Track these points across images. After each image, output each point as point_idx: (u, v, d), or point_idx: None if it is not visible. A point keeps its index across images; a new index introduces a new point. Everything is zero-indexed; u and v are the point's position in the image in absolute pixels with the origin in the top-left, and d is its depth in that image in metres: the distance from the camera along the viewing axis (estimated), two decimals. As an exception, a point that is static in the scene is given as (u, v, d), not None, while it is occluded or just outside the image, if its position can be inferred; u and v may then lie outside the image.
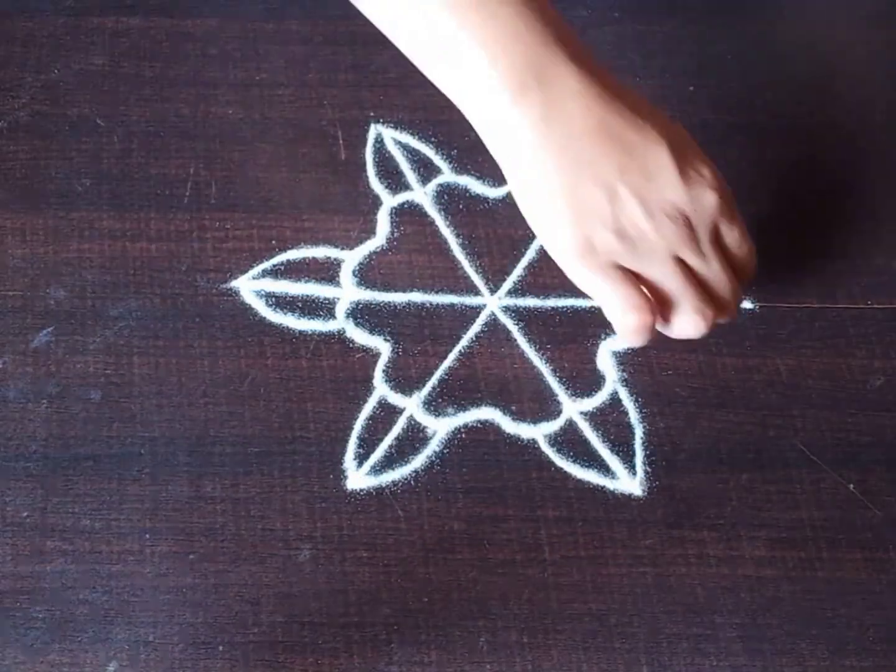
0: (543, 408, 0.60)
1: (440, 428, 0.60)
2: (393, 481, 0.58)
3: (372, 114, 0.68)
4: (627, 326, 0.54)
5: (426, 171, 0.67)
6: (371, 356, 0.61)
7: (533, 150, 0.53)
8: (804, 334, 0.63)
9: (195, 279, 0.63)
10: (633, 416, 0.61)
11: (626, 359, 0.62)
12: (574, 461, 0.59)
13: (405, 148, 0.67)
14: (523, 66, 0.52)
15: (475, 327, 0.62)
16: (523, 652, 0.55)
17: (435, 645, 0.55)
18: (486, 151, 0.67)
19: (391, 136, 0.67)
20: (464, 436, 0.60)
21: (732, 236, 0.55)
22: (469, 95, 0.54)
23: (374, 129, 0.68)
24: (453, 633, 0.55)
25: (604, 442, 0.60)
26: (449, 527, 0.57)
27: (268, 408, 0.60)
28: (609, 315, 0.55)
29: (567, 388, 0.61)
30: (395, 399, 0.60)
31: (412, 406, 0.60)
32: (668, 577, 0.57)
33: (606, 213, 0.53)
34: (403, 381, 0.61)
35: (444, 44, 0.53)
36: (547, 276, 0.64)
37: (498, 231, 0.65)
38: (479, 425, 0.60)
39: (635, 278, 0.54)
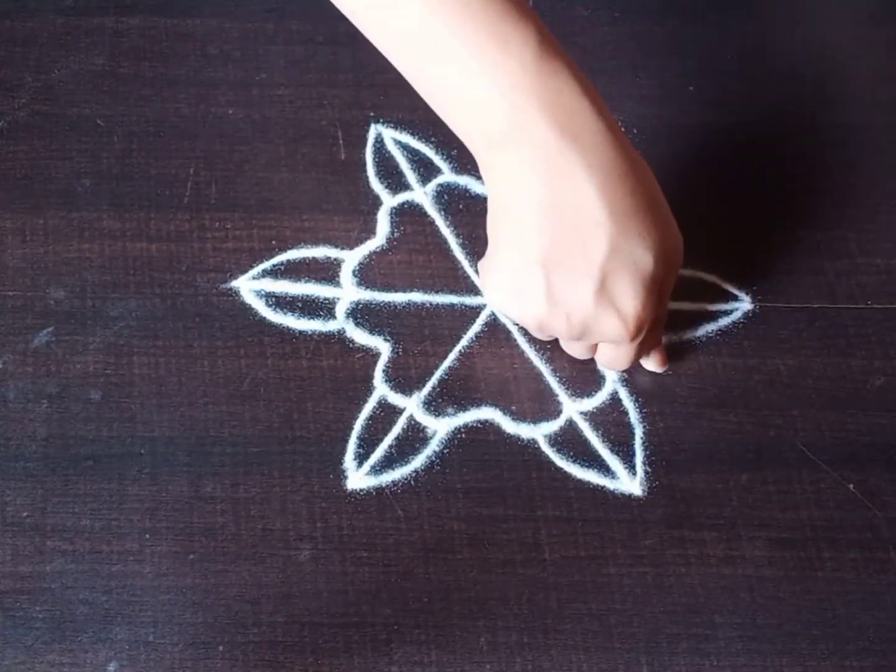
0: (543, 408, 0.60)
1: (440, 428, 0.60)
2: (393, 481, 0.58)
3: (372, 114, 0.68)
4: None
5: (426, 171, 0.67)
6: (371, 356, 0.61)
7: (492, 201, 0.55)
8: (804, 334, 0.63)
9: (195, 279, 0.63)
10: (633, 416, 0.61)
11: (626, 359, 0.62)
12: (574, 461, 0.59)
13: (405, 148, 0.67)
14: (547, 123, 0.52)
15: (475, 327, 0.62)
16: (523, 652, 0.55)
17: (435, 645, 0.55)
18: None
19: (391, 136, 0.67)
20: (464, 436, 0.60)
21: (622, 351, 0.58)
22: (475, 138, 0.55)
23: (374, 129, 0.68)
24: (453, 633, 0.55)
25: (604, 442, 0.60)
26: (449, 527, 0.57)
27: (268, 408, 0.60)
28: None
29: (567, 388, 0.61)
30: (395, 399, 0.60)
31: (412, 406, 0.60)
32: (668, 577, 0.57)
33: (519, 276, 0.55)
34: (403, 381, 0.61)
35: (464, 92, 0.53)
36: (547, 276, 0.64)
37: (498, 231, 0.65)
38: (479, 425, 0.60)
39: None
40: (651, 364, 0.61)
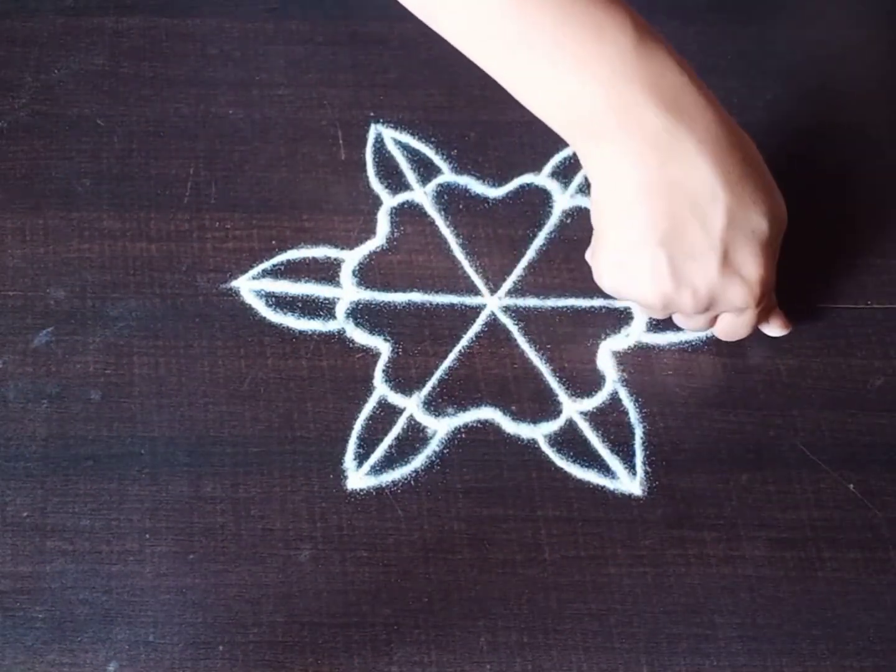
0: (543, 408, 0.60)
1: (440, 428, 0.60)
2: (393, 481, 0.58)
3: (372, 114, 0.68)
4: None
5: (426, 171, 0.67)
6: (371, 356, 0.61)
7: (597, 191, 0.56)
8: (804, 334, 0.63)
9: (195, 279, 0.63)
10: (633, 416, 0.61)
11: (626, 359, 0.62)
12: (574, 461, 0.59)
13: (405, 148, 0.67)
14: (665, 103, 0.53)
15: (475, 327, 0.62)
16: (523, 652, 0.55)
17: (435, 645, 0.55)
18: (486, 151, 0.67)
19: (391, 136, 0.67)
20: (464, 436, 0.60)
21: (746, 319, 0.58)
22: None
23: (374, 129, 0.68)
24: (453, 633, 0.55)
25: (604, 442, 0.60)
26: (449, 527, 0.57)
27: (268, 408, 0.60)
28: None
29: (567, 388, 0.61)
30: (395, 399, 0.60)
31: (412, 406, 0.60)
32: (668, 577, 0.57)
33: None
34: (403, 381, 0.61)
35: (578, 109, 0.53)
36: (547, 276, 0.64)
37: (498, 231, 0.65)
38: (479, 425, 0.60)
39: None
40: (773, 329, 0.61)
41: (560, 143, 0.64)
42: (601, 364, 0.62)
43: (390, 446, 0.59)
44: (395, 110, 0.68)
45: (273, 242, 0.64)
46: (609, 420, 0.60)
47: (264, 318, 0.62)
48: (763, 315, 0.60)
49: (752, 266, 0.55)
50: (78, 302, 0.62)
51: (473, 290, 0.63)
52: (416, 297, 0.63)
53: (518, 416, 0.60)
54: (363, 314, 0.62)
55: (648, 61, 0.52)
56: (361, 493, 0.58)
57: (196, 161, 0.66)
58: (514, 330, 0.62)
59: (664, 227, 0.54)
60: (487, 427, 0.60)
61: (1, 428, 0.58)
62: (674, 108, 0.53)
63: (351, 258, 0.64)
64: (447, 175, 0.67)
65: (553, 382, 0.61)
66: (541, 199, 0.66)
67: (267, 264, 0.63)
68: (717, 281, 0.55)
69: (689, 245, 0.54)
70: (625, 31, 0.52)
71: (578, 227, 0.65)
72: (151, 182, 0.65)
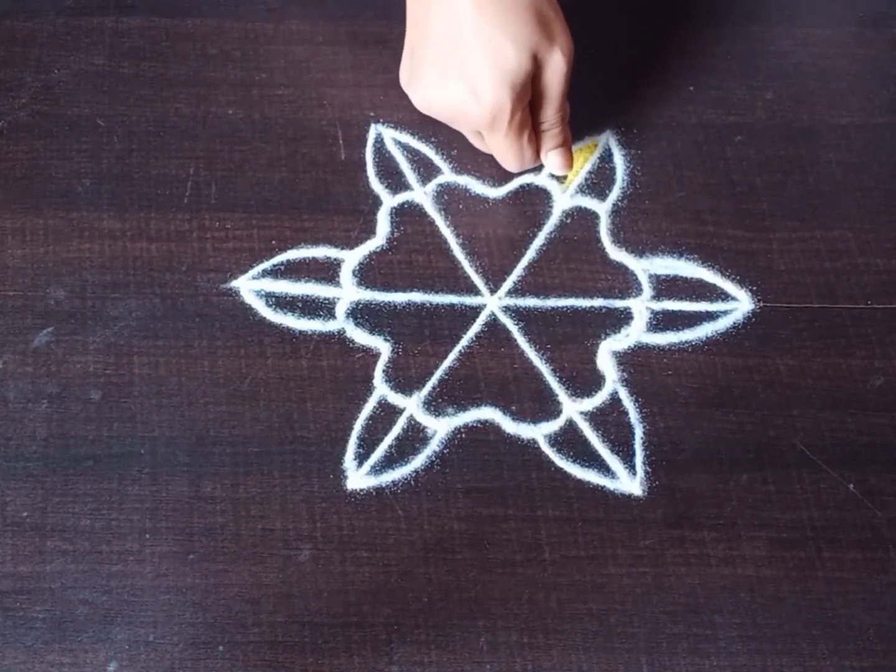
0: (543, 408, 0.61)
1: (440, 428, 0.60)
2: (393, 481, 0.58)
3: (372, 114, 0.68)
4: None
5: (426, 171, 0.67)
6: (371, 356, 0.61)
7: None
8: (804, 334, 0.63)
9: (195, 279, 0.63)
10: (633, 416, 0.61)
11: (626, 359, 0.62)
12: (574, 461, 0.59)
13: (405, 148, 0.67)
14: None
15: (475, 327, 0.62)
16: (523, 652, 0.55)
17: (435, 645, 0.55)
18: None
19: (391, 136, 0.67)
20: (464, 436, 0.60)
21: (495, 143, 0.63)
22: None
23: (374, 129, 0.68)
24: (453, 633, 0.55)
25: (604, 442, 0.60)
26: (449, 527, 0.57)
27: (268, 408, 0.60)
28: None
29: (567, 388, 0.61)
30: (395, 399, 0.60)
31: (412, 406, 0.60)
32: (668, 577, 0.57)
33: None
34: (403, 381, 0.61)
35: None
36: (547, 276, 0.64)
37: (498, 231, 0.65)
38: (479, 425, 0.60)
39: None
40: (552, 165, 0.65)
41: (560, 143, 0.64)
42: (601, 364, 0.62)
43: (390, 446, 0.59)
44: (395, 110, 0.68)
45: (273, 242, 0.64)
46: (609, 420, 0.60)
47: (264, 318, 0.62)
48: (523, 143, 0.62)
49: (486, 87, 0.59)
50: (78, 302, 0.62)
51: (473, 290, 0.63)
52: (416, 297, 0.63)
53: (518, 416, 0.60)
54: (363, 314, 0.62)
55: None
56: (361, 493, 0.58)
57: (196, 161, 0.66)
58: (514, 330, 0.63)
59: (416, 34, 0.61)
60: (487, 427, 0.60)
61: (1, 428, 0.58)
62: None
63: (351, 258, 0.64)
64: (447, 175, 0.67)
65: (553, 382, 0.61)
66: (541, 199, 0.66)
67: (267, 264, 0.63)
68: (453, 93, 0.60)
69: (432, 51, 0.60)
70: None
71: (578, 227, 0.65)
72: (151, 182, 0.65)
